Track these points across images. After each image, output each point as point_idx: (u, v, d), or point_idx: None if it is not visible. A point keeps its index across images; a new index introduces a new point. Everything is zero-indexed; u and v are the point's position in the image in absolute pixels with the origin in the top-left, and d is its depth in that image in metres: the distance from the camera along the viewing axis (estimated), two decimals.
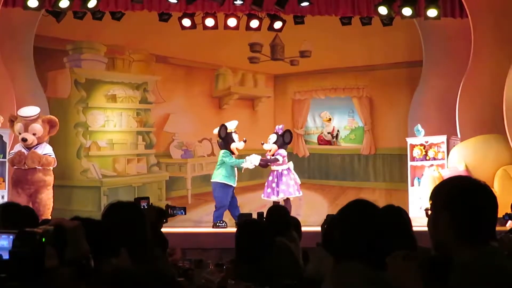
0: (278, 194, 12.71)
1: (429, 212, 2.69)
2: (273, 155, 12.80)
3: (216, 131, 12.68)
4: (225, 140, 12.68)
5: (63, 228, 2.14)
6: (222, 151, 12.68)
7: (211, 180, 12.65)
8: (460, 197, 2.60)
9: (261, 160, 12.72)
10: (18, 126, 11.61)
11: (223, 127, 12.63)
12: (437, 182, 10.52)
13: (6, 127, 12.12)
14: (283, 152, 12.82)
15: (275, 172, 12.81)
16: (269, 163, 12.85)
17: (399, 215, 3.98)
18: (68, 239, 2.14)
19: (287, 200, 12.66)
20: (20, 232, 2.02)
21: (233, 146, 12.69)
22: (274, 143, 12.87)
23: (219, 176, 12.56)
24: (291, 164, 12.98)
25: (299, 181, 12.95)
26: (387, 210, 3.87)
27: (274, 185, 12.77)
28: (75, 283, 2.11)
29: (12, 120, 11.71)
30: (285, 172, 12.81)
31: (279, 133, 12.87)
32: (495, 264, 2.51)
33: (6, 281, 1.98)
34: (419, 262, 2.56)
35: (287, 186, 12.73)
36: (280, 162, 12.79)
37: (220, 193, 12.53)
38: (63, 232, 2.14)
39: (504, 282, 2.48)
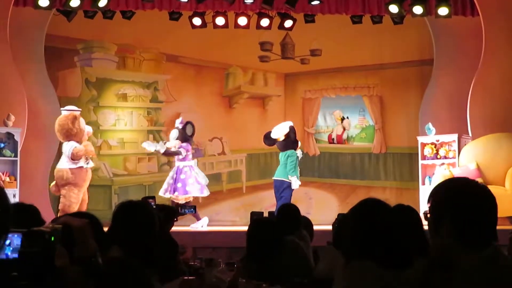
0: (173, 192, 12.24)
1: (428, 215, 2.67)
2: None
3: (284, 131, 12.33)
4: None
5: (71, 227, 2.14)
6: (290, 151, 12.20)
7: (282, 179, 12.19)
8: (460, 201, 2.58)
9: (165, 151, 12.36)
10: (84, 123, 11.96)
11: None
12: None
13: (17, 126, 12.19)
14: (187, 146, 12.42)
15: (176, 168, 12.41)
16: (171, 155, 12.49)
17: (410, 214, 3.97)
18: (76, 237, 2.14)
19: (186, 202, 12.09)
20: (28, 232, 2.02)
21: None
22: (177, 138, 12.46)
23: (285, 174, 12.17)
24: (194, 163, 12.58)
25: (204, 182, 12.47)
26: (397, 210, 3.86)
27: (171, 181, 12.34)
28: (84, 281, 2.11)
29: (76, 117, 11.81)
30: (186, 169, 12.34)
31: (180, 128, 12.52)
32: (499, 265, 2.50)
33: (17, 280, 1.98)
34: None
35: (184, 185, 12.24)
36: (183, 156, 12.30)
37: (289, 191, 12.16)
38: (71, 230, 2.13)
39: (508, 282, 2.47)
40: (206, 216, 12.85)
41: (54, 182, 11.78)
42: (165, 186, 12.38)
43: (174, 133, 12.55)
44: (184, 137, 12.46)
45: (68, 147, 11.64)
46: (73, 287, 2.07)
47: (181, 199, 12.24)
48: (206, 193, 12.51)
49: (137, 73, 14.51)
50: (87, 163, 11.78)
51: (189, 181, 12.28)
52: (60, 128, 11.69)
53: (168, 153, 12.49)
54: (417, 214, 4.04)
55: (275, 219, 6.83)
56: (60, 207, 11.57)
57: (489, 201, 2.60)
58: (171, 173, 12.47)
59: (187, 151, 12.39)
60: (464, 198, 2.58)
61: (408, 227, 3.25)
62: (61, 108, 12.22)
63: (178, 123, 12.59)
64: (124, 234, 3.57)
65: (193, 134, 12.63)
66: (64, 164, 11.67)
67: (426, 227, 4.10)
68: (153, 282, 3.54)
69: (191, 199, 12.35)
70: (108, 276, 2.28)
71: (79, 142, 11.71)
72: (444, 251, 2.59)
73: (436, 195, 2.67)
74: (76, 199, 11.60)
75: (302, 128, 14.64)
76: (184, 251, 6.79)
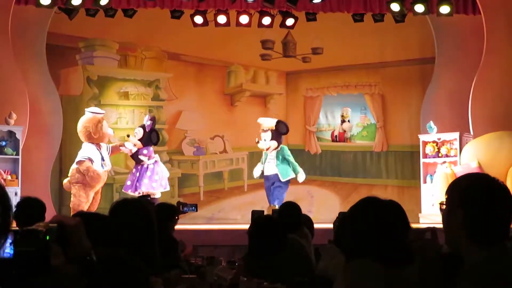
0: (135, 190, 12.23)
1: (444, 207, 2.67)
2: (137, 151, 12.43)
3: (271, 123, 12.75)
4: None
5: (65, 226, 2.15)
6: (284, 146, 12.69)
7: (284, 179, 12.60)
8: (476, 196, 2.57)
9: (133, 155, 12.49)
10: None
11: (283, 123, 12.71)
12: (450, 179, 10.46)
13: (18, 124, 12.21)
14: (149, 152, 12.45)
15: (139, 166, 12.43)
16: (136, 160, 12.46)
17: (400, 210, 3.96)
18: (70, 236, 2.14)
19: (152, 198, 11.85)
20: (23, 231, 2.03)
21: None
22: (140, 139, 12.47)
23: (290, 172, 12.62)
24: (157, 157, 12.66)
25: (167, 174, 12.66)
26: (390, 206, 3.84)
27: (134, 178, 12.37)
28: (79, 280, 2.12)
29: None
30: (150, 166, 12.40)
31: (147, 129, 12.51)
32: (506, 265, 2.50)
33: (13, 279, 1.98)
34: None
35: (150, 181, 12.31)
36: (146, 161, 12.38)
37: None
38: (65, 229, 2.14)
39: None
40: (208, 214, 12.88)
41: (68, 178, 12.01)
42: (128, 182, 12.46)
43: (139, 132, 12.53)
44: (147, 142, 12.47)
45: (82, 153, 12.10)
46: (69, 286, 2.07)
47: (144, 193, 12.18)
48: (168, 187, 12.72)
49: (139, 71, 14.52)
50: (103, 167, 12.15)
51: (155, 177, 12.39)
52: (84, 130, 12.14)
53: (135, 158, 12.54)
54: (403, 209, 4.02)
55: (276, 217, 6.83)
56: (70, 205, 11.91)
57: (507, 201, 2.59)
58: (133, 170, 12.53)
59: (149, 155, 12.47)
60: (481, 195, 2.57)
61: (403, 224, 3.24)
62: (86, 109, 12.61)
63: (146, 120, 12.64)
64: (121, 232, 3.57)
65: (157, 142, 12.68)
66: None
67: (428, 225, 4.11)
68: (152, 280, 3.55)
69: (156, 195, 12.36)
70: (105, 274, 2.29)
71: (100, 142, 12.21)
72: (453, 245, 2.59)
73: (455, 188, 2.67)
74: (86, 199, 11.82)
75: (304, 126, 14.65)
76: (183, 248, 6.80)
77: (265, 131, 12.78)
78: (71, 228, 2.14)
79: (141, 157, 12.32)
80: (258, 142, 12.77)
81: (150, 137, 12.42)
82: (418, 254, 2.71)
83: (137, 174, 12.35)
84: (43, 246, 2.00)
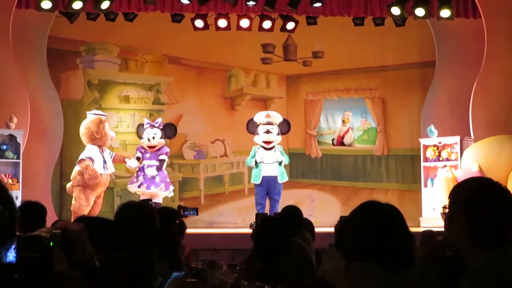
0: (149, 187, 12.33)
1: (447, 210, 2.68)
2: (155, 153, 12.49)
3: (280, 118, 12.69)
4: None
5: (69, 231, 2.16)
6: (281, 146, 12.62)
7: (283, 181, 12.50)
8: (478, 200, 2.58)
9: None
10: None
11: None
12: (451, 183, 10.42)
13: (19, 128, 12.20)
14: (167, 149, 12.63)
15: (144, 166, 12.49)
16: (161, 166, 12.47)
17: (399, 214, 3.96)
18: (74, 242, 2.15)
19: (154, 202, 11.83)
20: (27, 237, 2.03)
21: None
22: (161, 137, 12.61)
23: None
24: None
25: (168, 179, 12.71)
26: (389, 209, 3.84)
27: (141, 177, 12.46)
28: (83, 285, 2.13)
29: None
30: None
31: (160, 127, 12.66)
32: (507, 269, 2.50)
33: (17, 285, 1.99)
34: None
35: (154, 182, 12.41)
36: (167, 161, 12.61)
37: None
38: (68, 235, 2.15)
39: None
40: (209, 218, 12.86)
41: (71, 182, 12.05)
42: (134, 180, 12.48)
43: (158, 133, 12.60)
44: (163, 137, 12.65)
45: (83, 153, 12.11)
46: None
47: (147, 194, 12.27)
48: (170, 190, 12.66)
49: (140, 75, 14.53)
50: (105, 170, 12.17)
51: (162, 176, 12.46)
52: (86, 131, 12.16)
53: (160, 163, 12.57)
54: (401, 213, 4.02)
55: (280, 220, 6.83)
56: (71, 208, 11.90)
57: (508, 205, 2.60)
58: (140, 173, 12.54)
59: (167, 153, 12.60)
60: (483, 199, 2.58)
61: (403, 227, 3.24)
62: (88, 112, 12.64)
63: (148, 121, 12.73)
64: (125, 234, 3.57)
65: (174, 135, 12.82)
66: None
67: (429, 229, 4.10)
68: (152, 282, 3.55)
69: (158, 199, 12.40)
70: (107, 275, 2.30)
71: (103, 145, 12.23)
72: (454, 248, 2.59)
73: (457, 191, 2.68)
74: (86, 202, 11.82)
75: (304, 130, 14.65)
76: (183, 250, 6.79)
77: (273, 124, 12.61)
78: (74, 234, 2.15)
79: (162, 157, 12.45)
80: (268, 130, 12.53)
81: (165, 132, 12.62)
82: (422, 257, 2.72)
83: (141, 173, 12.45)
84: (47, 252, 2.01)
